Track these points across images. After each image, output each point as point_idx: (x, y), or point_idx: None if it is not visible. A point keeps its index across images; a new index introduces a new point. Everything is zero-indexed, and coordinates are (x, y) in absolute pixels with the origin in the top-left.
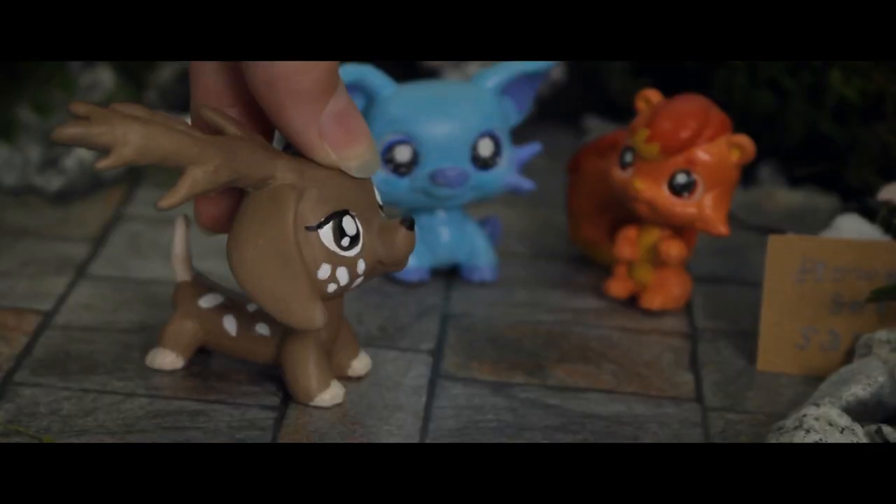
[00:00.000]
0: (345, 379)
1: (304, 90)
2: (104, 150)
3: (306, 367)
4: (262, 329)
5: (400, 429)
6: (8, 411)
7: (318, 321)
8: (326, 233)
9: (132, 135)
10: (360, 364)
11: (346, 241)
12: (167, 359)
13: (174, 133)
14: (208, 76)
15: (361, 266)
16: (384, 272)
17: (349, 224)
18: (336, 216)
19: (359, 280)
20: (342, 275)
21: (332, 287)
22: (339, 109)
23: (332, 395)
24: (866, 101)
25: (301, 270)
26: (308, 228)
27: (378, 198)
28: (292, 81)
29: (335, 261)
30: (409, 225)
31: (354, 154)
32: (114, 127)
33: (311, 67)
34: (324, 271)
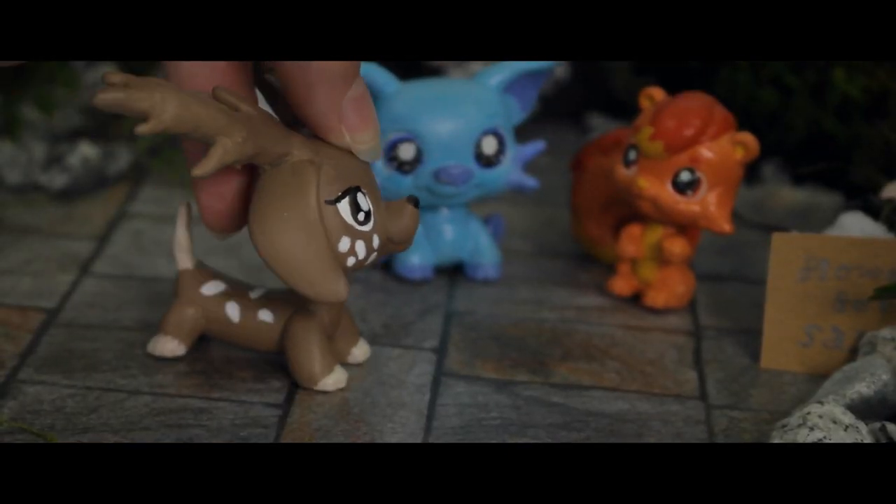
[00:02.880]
0: (344, 366)
1: (336, 73)
2: (142, 116)
3: (310, 351)
4: (264, 316)
5: (403, 426)
6: (12, 409)
7: (343, 293)
8: (344, 207)
9: (170, 102)
10: (360, 351)
11: (361, 216)
12: (168, 346)
13: (206, 103)
14: (206, 74)
15: (376, 241)
16: (392, 251)
17: (363, 200)
18: (351, 191)
19: (373, 256)
20: (360, 248)
21: (351, 260)
22: (357, 95)
23: (335, 379)
24: (869, 98)
25: (325, 243)
26: (327, 202)
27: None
28: (326, 64)
29: (354, 234)
30: (415, 203)
31: (365, 138)
32: (152, 93)
33: None
34: (344, 244)
